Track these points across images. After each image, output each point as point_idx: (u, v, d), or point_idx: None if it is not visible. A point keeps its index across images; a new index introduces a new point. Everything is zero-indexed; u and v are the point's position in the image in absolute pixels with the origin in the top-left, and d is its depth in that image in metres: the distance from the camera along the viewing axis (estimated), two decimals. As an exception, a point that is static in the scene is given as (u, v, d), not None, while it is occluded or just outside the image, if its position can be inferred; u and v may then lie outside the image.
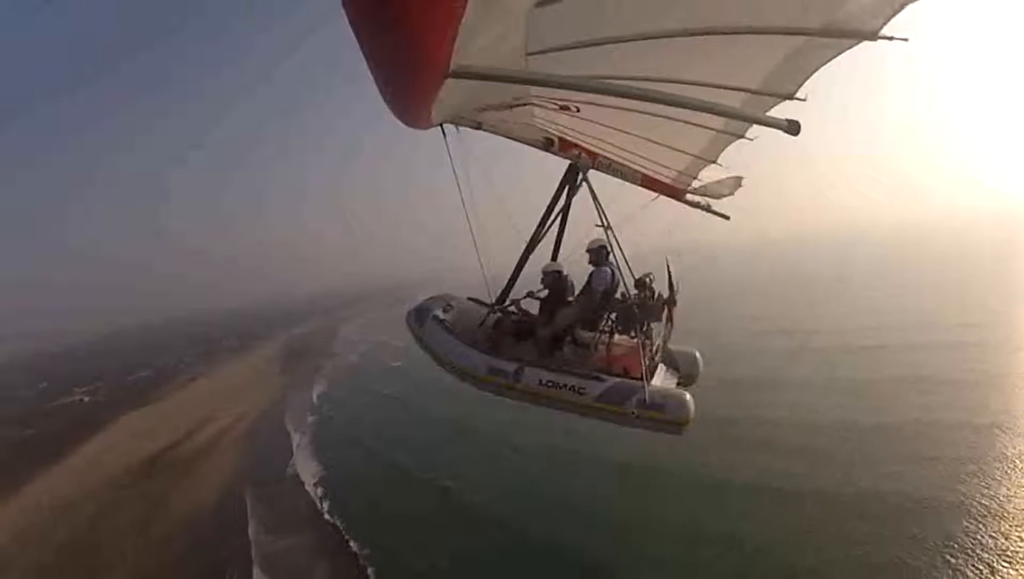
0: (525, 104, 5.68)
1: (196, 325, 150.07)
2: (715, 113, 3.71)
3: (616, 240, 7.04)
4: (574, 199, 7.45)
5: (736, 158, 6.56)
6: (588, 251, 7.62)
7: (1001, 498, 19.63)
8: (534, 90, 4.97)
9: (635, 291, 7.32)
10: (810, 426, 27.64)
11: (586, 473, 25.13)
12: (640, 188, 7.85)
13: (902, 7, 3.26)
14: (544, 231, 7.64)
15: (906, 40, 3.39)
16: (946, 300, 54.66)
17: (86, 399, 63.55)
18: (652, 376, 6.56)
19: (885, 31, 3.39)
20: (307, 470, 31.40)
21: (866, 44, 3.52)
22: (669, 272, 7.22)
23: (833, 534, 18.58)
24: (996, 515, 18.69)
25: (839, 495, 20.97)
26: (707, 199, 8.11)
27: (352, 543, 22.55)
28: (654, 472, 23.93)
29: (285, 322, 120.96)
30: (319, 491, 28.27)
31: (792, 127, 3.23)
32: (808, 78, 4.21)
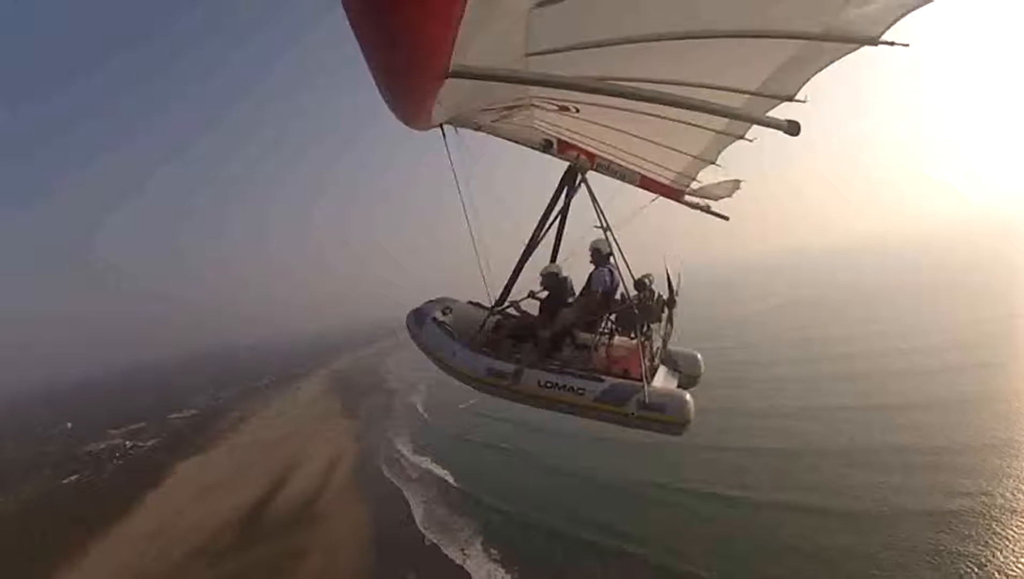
0: (525, 105, 5.68)
1: (217, 360, 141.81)
2: (715, 113, 3.71)
3: (616, 241, 7.04)
4: (573, 200, 7.44)
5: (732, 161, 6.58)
6: (591, 251, 7.63)
7: None
8: (534, 90, 4.97)
9: (635, 292, 7.32)
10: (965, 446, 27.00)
11: (778, 515, 23.57)
12: (640, 190, 7.84)
13: (904, 14, 3.27)
14: (543, 232, 7.63)
15: (907, 45, 3.40)
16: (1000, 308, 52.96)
17: (128, 443, 57.17)
18: (652, 377, 6.54)
19: (886, 36, 3.40)
20: (449, 539, 26.43)
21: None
22: (668, 272, 7.21)
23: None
24: None
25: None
26: (706, 201, 8.11)
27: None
28: (840, 509, 23.05)
29: (316, 356, 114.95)
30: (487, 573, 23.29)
31: (792, 127, 3.23)
32: (808, 80, 4.22)
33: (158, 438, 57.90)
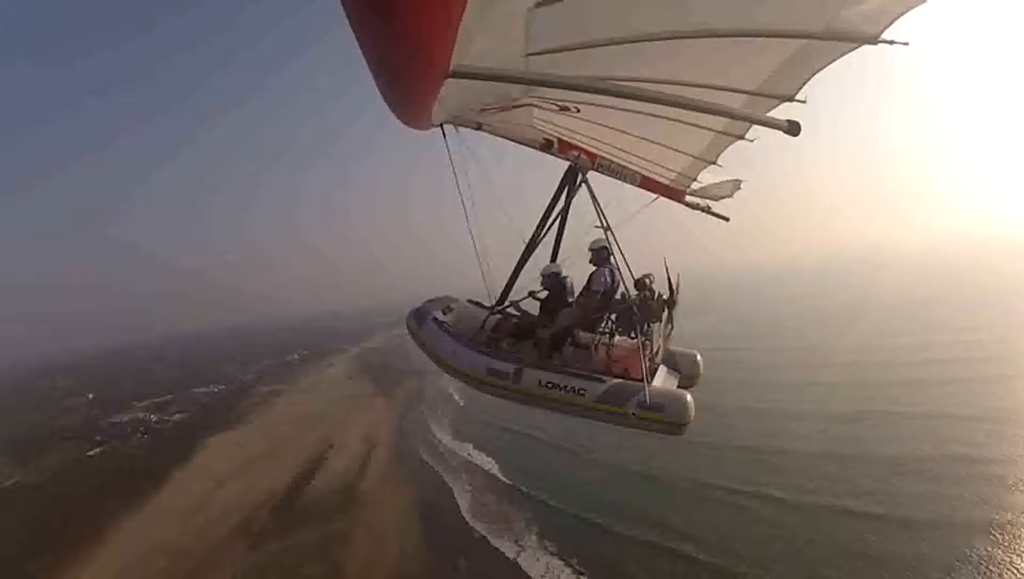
0: (525, 105, 5.68)
1: (245, 336, 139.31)
2: (715, 113, 3.72)
3: (616, 241, 7.03)
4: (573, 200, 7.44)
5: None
6: (591, 251, 7.63)
7: None
8: (534, 90, 4.97)
9: (635, 292, 7.31)
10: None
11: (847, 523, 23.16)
12: (640, 190, 7.84)
13: (903, 13, 3.28)
14: (544, 232, 7.63)
15: (906, 44, 3.41)
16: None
17: (154, 417, 55.57)
18: (652, 377, 6.52)
19: (886, 35, 3.41)
20: (498, 531, 25.49)
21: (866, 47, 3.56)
22: (668, 272, 7.19)
23: None
24: None
25: None
26: (706, 201, 8.11)
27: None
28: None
29: (342, 334, 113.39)
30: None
31: (792, 128, 3.24)
32: (808, 80, 4.23)
33: (185, 412, 56.39)
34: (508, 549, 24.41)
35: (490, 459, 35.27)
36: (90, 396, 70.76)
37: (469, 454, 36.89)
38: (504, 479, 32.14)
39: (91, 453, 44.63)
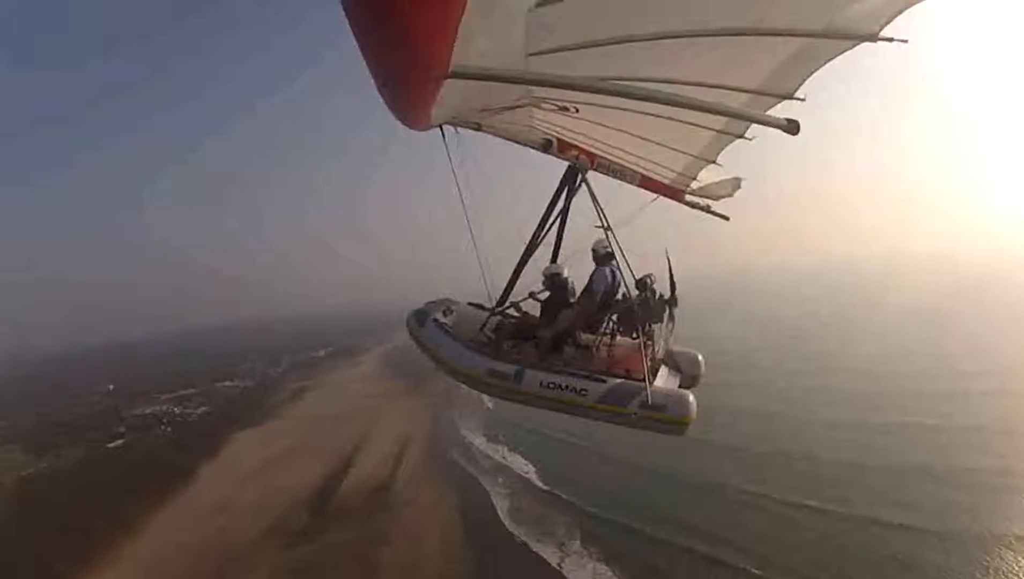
0: (525, 105, 5.67)
1: (265, 332, 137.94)
2: (715, 113, 3.71)
3: (616, 241, 7.03)
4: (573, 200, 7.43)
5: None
6: (592, 251, 7.63)
7: None
8: (534, 91, 4.96)
9: (636, 292, 7.30)
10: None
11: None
12: (641, 189, 7.83)
13: (903, 10, 3.28)
14: (544, 233, 7.63)
15: (905, 42, 3.41)
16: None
17: (177, 410, 54.53)
18: (654, 377, 6.52)
19: (885, 33, 3.41)
20: (537, 535, 25.21)
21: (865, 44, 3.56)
22: (670, 267, 7.16)
23: None
24: None
25: None
26: (706, 200, 8.11)
27: None
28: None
29: (365, 333, 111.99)
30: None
31: (791, 126, 3.23)
32: (808, 78, 4.23)
33: (209, 406, 55.21)
34: (551, 555, 23.89)
35: (525, 462, 34.72)
36: (110, 387, 69.87)
37: (503, 457, 36.37)
38: (540, 483, 31.64)
39: (112, 446, 43.59)
